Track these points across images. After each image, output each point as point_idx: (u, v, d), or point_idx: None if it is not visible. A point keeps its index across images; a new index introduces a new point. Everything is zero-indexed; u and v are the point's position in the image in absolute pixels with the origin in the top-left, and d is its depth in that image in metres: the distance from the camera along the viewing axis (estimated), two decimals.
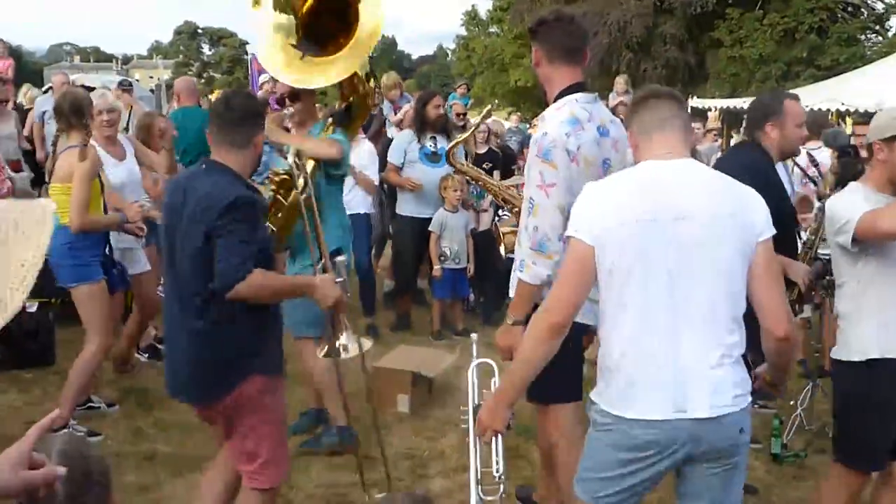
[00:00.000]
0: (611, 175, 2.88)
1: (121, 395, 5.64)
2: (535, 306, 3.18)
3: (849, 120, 15.88)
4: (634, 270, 2.55)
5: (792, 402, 5.31)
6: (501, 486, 3.04)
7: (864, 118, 8.65)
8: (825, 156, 7.51)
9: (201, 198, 3.14)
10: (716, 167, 3.59)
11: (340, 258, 3.76)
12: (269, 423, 3.34)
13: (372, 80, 4.69)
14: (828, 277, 4.97)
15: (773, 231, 2.65)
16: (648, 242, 2.54)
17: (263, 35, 4.39)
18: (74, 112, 4.91)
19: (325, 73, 4.37)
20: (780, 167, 4.98)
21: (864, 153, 6.64)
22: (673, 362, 2.54)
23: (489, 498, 3.19)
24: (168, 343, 3.45)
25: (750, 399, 2.64)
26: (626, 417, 2.58)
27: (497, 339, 3.49)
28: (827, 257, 4.93)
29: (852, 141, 7.93)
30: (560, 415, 3.61)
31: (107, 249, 5.17)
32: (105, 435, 4.96)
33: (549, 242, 3.30)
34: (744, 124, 4.13)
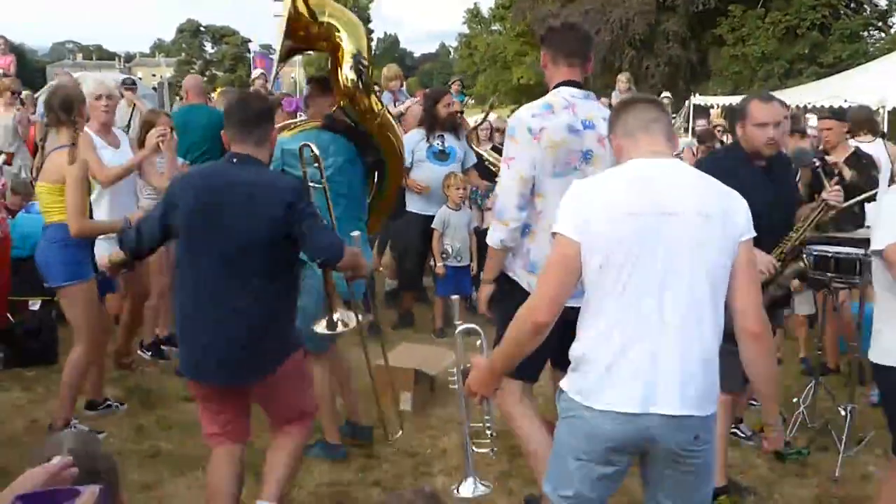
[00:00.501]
0: (598, 174, 2.93)
1: (124, 393, 5.64)
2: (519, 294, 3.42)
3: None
4: (621, 266, 2.55)
5: (795, 400, 5.31)
6: (491, 441, 3.29)
7: (830, 113, 8.77)
8: (878, 149, 7.42)
9: (260, 187, 3.34)
10: (695, 166, 3.63)
11: (355, 233, 3.97)
12: (308, 381, 3.81)
13: (373, 95, 4.63)
14: (829, 275, 4.99)
15: (754, 233, 2.68)
16: (636, 238, 2.55)
17: None
18: (64, 108, 4.81)
19: None
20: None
21: (833, 157, 6.66)
22: (649, 358, 2.55)
23: (481, 450, 3.21)
24: (208, 326, 3.37)
25: (714, 410, 2.64)
26: (594, 408, 2.59)
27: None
28: (817, 253, 4.95)
29: (812, 135, 8.04)
30: (507, 389, 3.68)
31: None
32: (108, 433, 4.96)
33: (507, 211, 3.63)
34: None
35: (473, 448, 3.37)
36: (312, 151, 4.13)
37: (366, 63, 4.43)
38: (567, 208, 2.67)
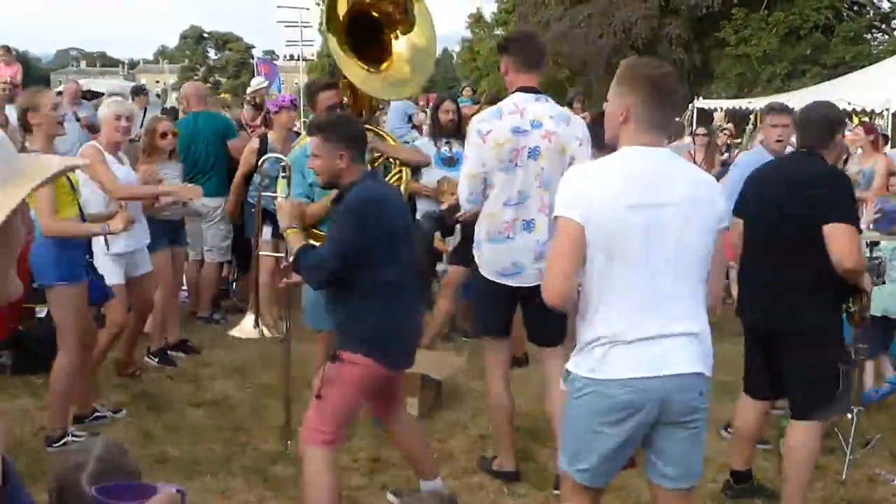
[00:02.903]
0: (598, 160, 3.13)
1: (130, 398, 5.66)
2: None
3: (855, 119, 15.89)
4: (626, 254, 2.75)
5: None
6: None
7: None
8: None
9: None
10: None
11: None
12: None
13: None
14: None
15: (728, 221, 2.99)
16: (639, 229, 2.74)
17: (337, 56, 4.60)
18: (24, 116, 4.82)
19: (397, 90, 4.96)
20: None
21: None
22: (657, 329, 2.78)
23: None
24: (407, 320, 3.78)
25: (709, 372, 2.90)
26: (606, 379, 2.79)
27: None
28: None
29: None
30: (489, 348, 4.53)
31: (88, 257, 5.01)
32: (115, 438, 4.97)
33: (460, 200, 4.30)
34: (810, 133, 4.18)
35: None
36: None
37: None
38: (568, 194, 2.83)
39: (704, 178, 2.99)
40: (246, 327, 4.75)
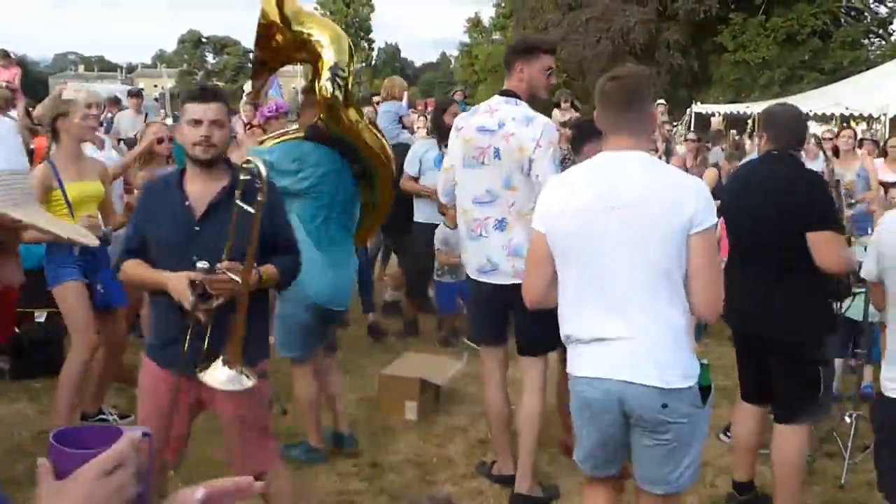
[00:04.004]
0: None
1: (129, 402, 5.64)
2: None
3: (853, 123, 15.94)
4: (583, 253, 2.86)
5: None
6: None
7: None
8: None
9: None
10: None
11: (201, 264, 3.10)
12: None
13: (353, 107, 4.57)
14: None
15: (713, 221, 2.82)
16: (595, 228, 2.83)
17: None
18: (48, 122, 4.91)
19: None
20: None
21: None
22: (612, 332, 2.82)
23: None
24: None
25: (689, 384, 2.80)
26: (574, 375, 2.97)
27: None
28: None
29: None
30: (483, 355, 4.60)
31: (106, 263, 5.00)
32: None
33: (438, 192, 4.62)
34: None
35: None
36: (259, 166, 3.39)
37: (344, 75, 4.35)
38: (539, 203, 3.06)
39: (674, 180, 2.88)
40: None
